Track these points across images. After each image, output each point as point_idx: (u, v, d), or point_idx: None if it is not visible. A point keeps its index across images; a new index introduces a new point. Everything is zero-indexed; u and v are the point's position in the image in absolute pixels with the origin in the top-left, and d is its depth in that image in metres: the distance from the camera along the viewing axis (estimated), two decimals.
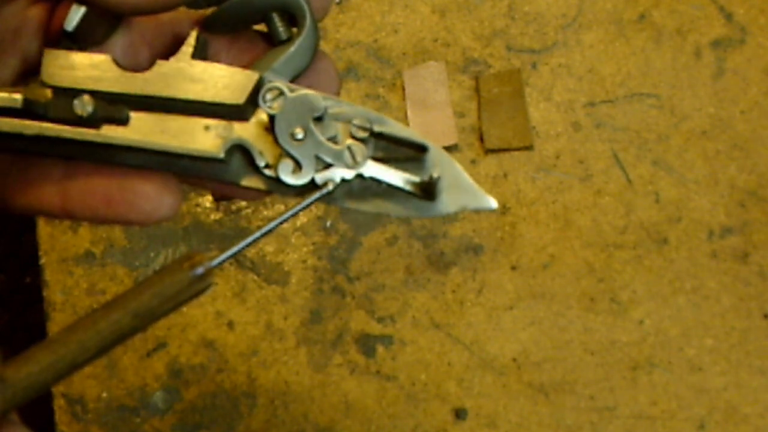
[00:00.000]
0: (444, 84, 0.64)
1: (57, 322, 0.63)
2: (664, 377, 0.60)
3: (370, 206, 0.31)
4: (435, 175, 0.30)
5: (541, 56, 0.64)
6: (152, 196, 0.31)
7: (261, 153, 0.31)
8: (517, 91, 0.63)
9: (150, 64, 0.31)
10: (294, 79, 0.31)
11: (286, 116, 0.30)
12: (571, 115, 0.63)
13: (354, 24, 0.66)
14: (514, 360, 0.61)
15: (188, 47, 0.30)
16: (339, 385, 0.62)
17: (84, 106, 0.29)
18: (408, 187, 0.31)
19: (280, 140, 0.30)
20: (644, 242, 0.62)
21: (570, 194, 0.62)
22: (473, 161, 0.63)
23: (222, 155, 0.30)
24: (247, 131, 0.31)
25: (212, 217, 0.64)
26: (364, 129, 0.30)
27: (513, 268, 0.62)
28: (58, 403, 0.63)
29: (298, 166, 0.30)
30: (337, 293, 0.62)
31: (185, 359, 0.63)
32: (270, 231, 0.30)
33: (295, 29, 0.32)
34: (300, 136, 0.30)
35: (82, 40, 0.30)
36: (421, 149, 0.31)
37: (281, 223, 0.30)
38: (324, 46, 0.66)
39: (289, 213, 0.30)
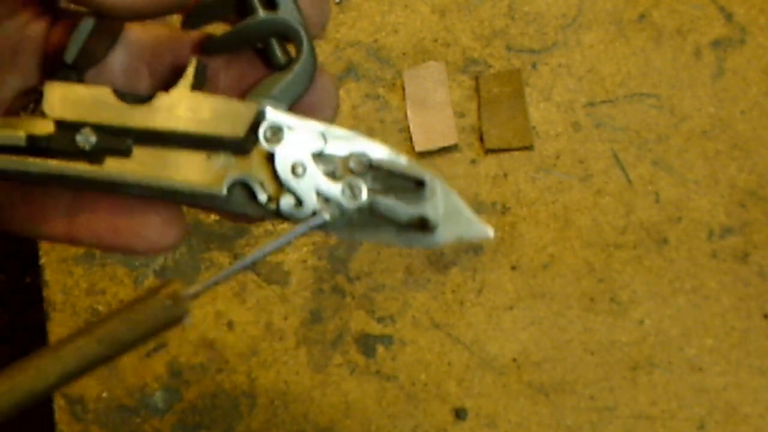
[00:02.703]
0: (444, 84, 0.64)
1: (57, 322, 0.63)
2: (664, 377, 0.60)
3: (369, 236, 0.32)
4: (430, 213, 0.31)
5: (541, 56, 0.64)
6: (158, 226, 0.31)
7: (262, 186, 0.31)
8: (517, 91, 0.63)
9: (149, 85, 0.31)
10: (293, 103, 0.31)
11: (285, 153, 0.30)
12: (571, 115, 0.63)
13: (354, 24, 0.66)
14: (514, 360, 0.61)
15: (187, 79, 0.30)
16: (339, 385, 0.62)
17: (87, 139, 0.30)
18: (405, 221, 0.31)
19: (281, 176, 0.30)
20: (644, 242, 0.62)
21: (570, 194, 0.62)
22: (473, 161, 0.63)
23: (224, 192, 0.30)
24: (248, 163, 0.31)
25: (212, 217, 0.64)
26: (362, 163, 0.31)
27: (513, 268, 0.62)
28: (58, 403, 0.63)
29: (298, 201, 0.31)
30: (337, 293, 0.62)
31: (185, 359, 0.63)
32: (254, 261, 0.30)
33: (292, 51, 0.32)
34: (300, 171, 0.30)
35: (81, 63, 0.30)
36: (419, 183, 0.31)
37: (270, 253, 0.30)
38: (324, 46, 0.66)
39: (280, 242, 0.30)
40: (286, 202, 0.31)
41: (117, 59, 0.32)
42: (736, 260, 0.61)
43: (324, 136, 0.31)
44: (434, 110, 0.64)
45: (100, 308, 0.63)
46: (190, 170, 0.30)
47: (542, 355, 0.61)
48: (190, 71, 0.30)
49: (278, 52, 0.31)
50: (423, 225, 0.31)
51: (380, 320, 0.62)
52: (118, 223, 0.31)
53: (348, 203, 0.31)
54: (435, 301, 0.62)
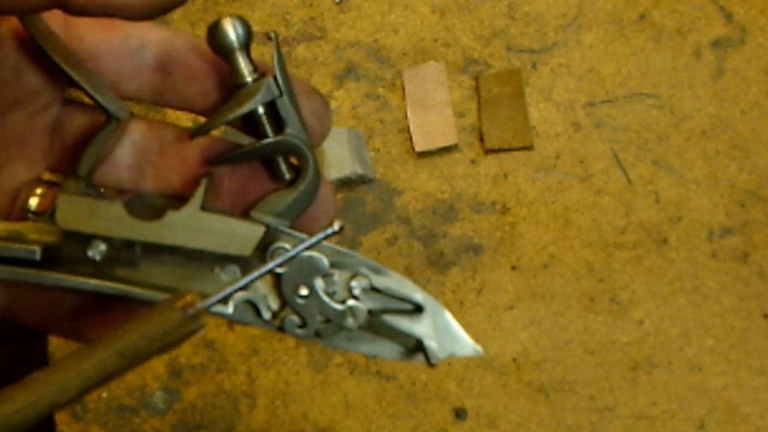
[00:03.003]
0: (444, 84, 0.64)
1: None
2: (664, 377, 0.60)
3: (366, 350, 0.33)
4: (425, 335, 0.32)
5: (541, 56, 0.64)
6: None
7: (267, 304, 0.32)
8: (517, 91, 0.64)
9: (154, 183, 0.32)
10: (296, 218, 0.32)
11: (291, 276, 0.32)
12: (571, 115, 0.63)
13: (354, 24, 0.66)
14: (514, 360, 0.61)
15: (197, 198, 0.31)
16: (339, 385, 0.62)
17: (97, 251, 0.31)
18: (401, 341, 0.33)
19: (286, 297, 0.32)
20: (644, 242, 0.62)
21: (570, 194, 0.62)
22: (473, 161, 0.63)
23: (230, 312, 0.32)
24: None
25: None
26: (364, 286, 0.32)
27: (513, 268, 0.62)
28: None
29: (303, 322, 0.32)
30: None
31: (185, 359, 0.63)
32: (267, 272, 0.30)
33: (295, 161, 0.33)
34: (304, 293, 0.32)
35: (91, 168, 0.31)
36: (418, 308, 0.33)
37: (281, 264, 0.31)
38: (324, 46, 0.66)
39: (291, 254, 0.31)
40: (291, 320, 0.32)
41: (123, 157, 0.32)
42: (736, 260, 0.61)
43: (328, 259, 0.32)
44: (434, 110, 0.64)
45: None
46: (197, 283, 0.32)
47: (542, 355, 0.61)
48: (200, 191, 0.31)
49: (283, 167, 0.32)
50: (419, 346, 0.33)
51: None
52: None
53: (349, 324, 0.32)
54: None
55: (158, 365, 0.63)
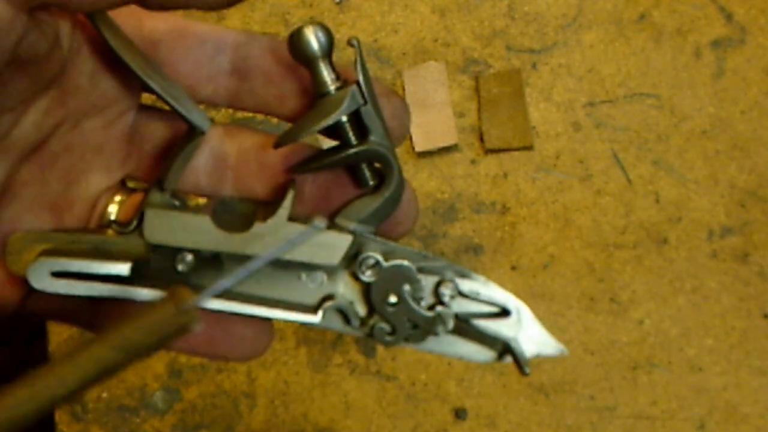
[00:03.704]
0: (444, 84, 0.64)
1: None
2: (664, 377, 0.60)
3: (452, 350, 0.33)
4: (514, 339, 0.33)
5: (541, 56, 0.64)
6: (251, 339, 0.33)
7: (355, 311, 0.32)
8: (517, 91, 0.63)
9: (233, 187, 0.32)
10: (380, 224, 0.32)
11: (381, 285, 0.32)
12: (571, 115, 0.63)
13: (354, 24, 0.66)
14: None
15: (285, 210, 0.31)
16: (339, 385, 0.62)
17: (185, 263, 0.31)
18: (488, 344, 0.33)
19: (375, 305, 0.32)
20: (644, 242, 0.62)
21: (570, 194, 0.62)
22: (473, 161, 0.63)
23: (317, 321, 0.32)
24: (340, 286, 0.32)
25: None
26: (451, 292, 0.33)
27: (513, 268, 0.62)
28: None
29: (392, 329, 0.32)
30: None
31: (185, 359, 0.63)
32: (259, 266, 0.30)
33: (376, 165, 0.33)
34: (394, 301, 0.32)
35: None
36: (504, 311, 0.33)
37: (273, 256, 0.30)
38: None
39: (283, 248, 0.30)
40: (380, 328, 0.32)
41: (202, 163, 0.32)
42: (736, 260, 0.61)
43: (414, 264, 0.32)
44: (434, 110, 0.64)
45: None
46: (284, 291, 0.32)
47: None
48: (287, 202, 0.31)
49: (367, 174, 0.32)
50: (506, 348, 0.33)
51: None
52: (214, 337, 0.32)
53: (438, 331, 0.32)
54: None
55: (158, 365, 0.63)
